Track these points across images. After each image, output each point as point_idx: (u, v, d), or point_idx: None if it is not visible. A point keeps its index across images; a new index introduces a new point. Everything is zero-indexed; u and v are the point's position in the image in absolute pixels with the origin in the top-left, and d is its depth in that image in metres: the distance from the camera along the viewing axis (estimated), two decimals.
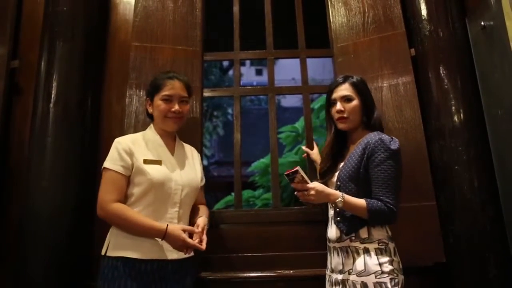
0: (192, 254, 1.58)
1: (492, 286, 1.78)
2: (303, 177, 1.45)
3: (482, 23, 1.98)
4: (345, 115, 1.64)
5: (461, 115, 1.97)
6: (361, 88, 1.68)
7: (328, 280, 1.61)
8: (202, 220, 1.62)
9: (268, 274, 1.93)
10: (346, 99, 1.65)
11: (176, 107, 1.64)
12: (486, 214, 1.84)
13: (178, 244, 1.48)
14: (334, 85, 1.71)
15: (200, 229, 1.55)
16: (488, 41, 1.96)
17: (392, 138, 1.56)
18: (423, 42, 2.12)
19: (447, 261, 1.87)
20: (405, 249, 1.56)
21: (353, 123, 1.66)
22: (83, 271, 1.88)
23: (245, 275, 1.93)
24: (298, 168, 1.43)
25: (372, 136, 1.56)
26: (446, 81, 2.03)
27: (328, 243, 1.63)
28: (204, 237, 1.54)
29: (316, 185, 1.47)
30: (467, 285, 1.82)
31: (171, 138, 1.72)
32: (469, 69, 2.06)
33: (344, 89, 1.67)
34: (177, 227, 1.50)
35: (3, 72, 2.12)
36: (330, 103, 1.72)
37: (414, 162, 1.94)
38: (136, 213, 1.50)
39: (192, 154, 1.79)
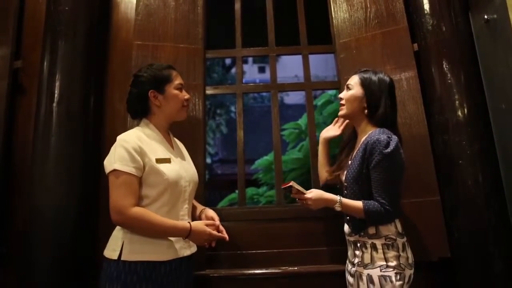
0: (196, 249, 1.61)
1: (498, 281, 1.78)
2: (298, 190, 1.55)
3: (486, 17, 1.96)
4: (342, 102, 1.71)
5: (465, 110, 1.96)
6: (366, 81, 1.68)
7: (346, 269, 1.67)
8: (212, 212, 1.69)
9: (273, 270, 1.93)
10: (348, 87, 1.71)
11: (188, 95, 1.68)
12: (490, 208, 1.83)
13: (203, 239, 1.52)
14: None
15: (218, 222, 1.61)
16: (491, 35, 1.95)
17: (390, 138, 1.53)
18: (425, 37, 2.11)
19: (452, 256, 1.86)
20: (410, 245, 1.56)
21: (348, 111, 1.69)
22: (88, 270, 1.89)
23: (250, 271, 1.93)
24: (291, 182, 1.55)
25: (372, 136, 1.57)
26: (449, 75, 2.02)
27: (345, 236, 1.69)
28: (222, 227, 1.61)
29: (312, 194, 1.55)
30: (473, 280, 1.82)
31: (167, 133, 1.68)
32: (472, 63, 2.05)
33: (351, 79, 1.73)
34: (200, 223, 1.53)
35: (7, 72, 2.13)
36: None
37: (418, 157, 1.93)
38: (158, 215, 1.46)
39: (183, 147, 1.78)
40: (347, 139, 1.81)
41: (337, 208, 1.53)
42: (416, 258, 1.54)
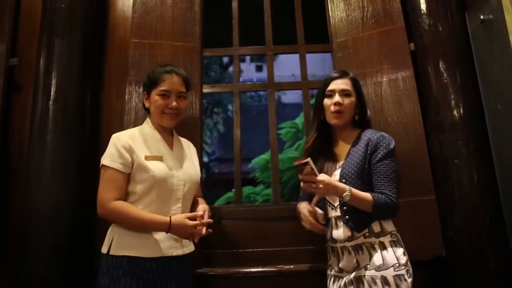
0: (193, 249, 1.60)
1: (491, 280, 1.79)
2: (312, 169, 1.42)
3: (482, 17, 1.97)
4: (341, 108, 1.61)
5: (461, 109, 1.97)
6: (358, 86, 1.68)
7: (333, 281, 1.58)
8: (202, 207, 1.62)
9: (269, 269, 1.93)
10: (346, 93, 1.63)
11: (174, 103, 1.59)
12: (485, 207, 1.84)
13: (187, 232, 1.48)
14: (332, 78, 1.68)
15: (202, 212, 1.54)
16: (487, 35, 1.96)
17: (390, 136, 1.60)
18: (422, 36, 2.12)
19: (447, 255, 1.87)
20: (405, 243, 1.57)
21: (346, 119, 1.64)
22: (84, 268, 1.88)
23: (246, 270, 1.93)
24: (309, 159, 1.41)
25: (372, 133, 1.60)
26: (445, 75, 2.03)
27: (333, 244, 1.59)
28: (207, 219, 1.52)
29: (324, 177, 1.45)
30: (467, 279, 1.83)
31: (168, 133, 1.69)
32: (468, 63, 2.06)
33: (345, 83, 1.64)
34: (180, 216, 1.50)
35: (2, 70, 2.12)
36: (325, 95, 1.67)
37: (413, 156, 1.94)
38: (138, 209, 1.48)
39: (189, 148, 1.77)
40: (320, 147, 1.69)
41: (346, 197, 1.43)
42: (411, 257, 1.55)
